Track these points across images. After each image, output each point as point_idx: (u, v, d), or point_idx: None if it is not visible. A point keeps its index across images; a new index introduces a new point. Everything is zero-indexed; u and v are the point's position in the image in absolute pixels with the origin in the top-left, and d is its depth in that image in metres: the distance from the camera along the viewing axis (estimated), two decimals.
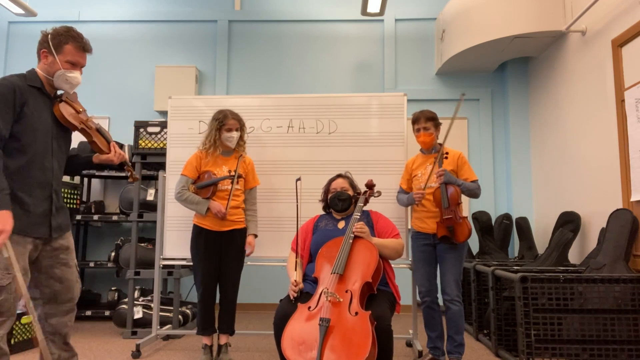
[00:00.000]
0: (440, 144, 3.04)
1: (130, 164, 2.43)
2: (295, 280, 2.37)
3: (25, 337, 3.43)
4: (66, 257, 2.14)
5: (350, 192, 2.70)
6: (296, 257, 2.54)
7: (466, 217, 2.84)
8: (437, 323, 2.97)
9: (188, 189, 3.01)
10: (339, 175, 2.80)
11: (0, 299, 1.89)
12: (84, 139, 2.27)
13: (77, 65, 2.08)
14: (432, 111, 3.01)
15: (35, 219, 2.00)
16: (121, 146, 4.53)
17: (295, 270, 2.47)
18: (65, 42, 2.05)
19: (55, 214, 2.09)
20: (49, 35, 2.04)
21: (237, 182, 3.02)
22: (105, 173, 4.68)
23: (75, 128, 2.14)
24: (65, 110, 2.09)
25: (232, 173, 3.00)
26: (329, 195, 2.72)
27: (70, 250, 2.17)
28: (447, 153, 2.88)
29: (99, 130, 2.23)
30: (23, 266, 1.95)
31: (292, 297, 2.32)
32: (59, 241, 2.13)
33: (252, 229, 3.11)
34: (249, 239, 3.09)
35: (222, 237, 2.99)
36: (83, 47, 2.09)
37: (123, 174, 4.69)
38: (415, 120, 3.03)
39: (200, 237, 2.98)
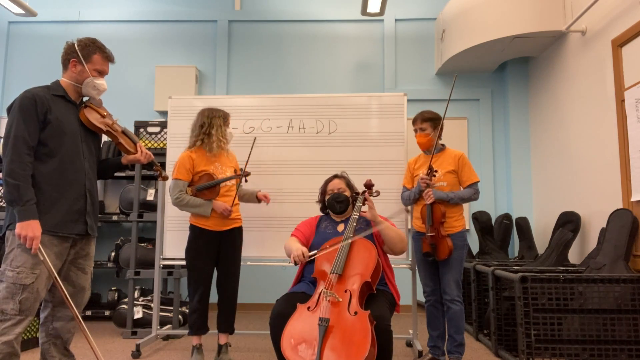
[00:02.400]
0: (443, 145, 3.04)
1: (158, 163, 2.52)
2: (303, 253, 2.34)
3: (26, 337, 3.43)
4: (84, 262, 2.24)
5: (348, 193, 2.67)
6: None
7: (448, 236, 2.83)
8: (440, 322, 2.98)
9: (185, 192, 2.92)
10: (335, 176, 2.76)
11: (22, 298, 1.97)
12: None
13: (102, 74, 2.26)
14: (431, 112, 3.01)
15: (70, 216, 2.12)
16: None
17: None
18: (94, 52, 2.22)
19: (90, 213, 2.20)
20: (77, 46, 2.19)
21: (246, 181, 3.02)
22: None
23: (101, 131, 2.28)
24: (90, 114, 2.24)
25: (239, 172, 3.02)
26: (326, 197, 2.69)
27: (89, 257, 2.26)
28: (436, 170, 2.90)
29: (124, 133, 2.36)
30: (52, 265, 2.04)
31: (296, 262, 2.33)
32: (85, 246, 2.23)
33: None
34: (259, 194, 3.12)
35: (221, 237, 2.98)
36: (108, 57, 2.28)
37: (123, 174, 4.68)
38: (413, 121, 3.04)
39: (201, 239, 2.95)
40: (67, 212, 2.11)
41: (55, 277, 1.99)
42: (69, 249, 2.15)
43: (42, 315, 2.21)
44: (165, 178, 2.53)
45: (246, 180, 3.01)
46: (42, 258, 1.98)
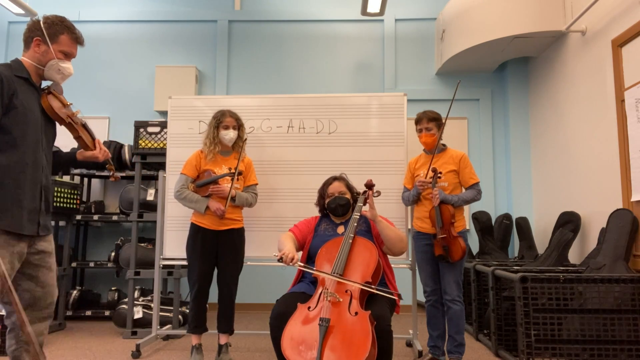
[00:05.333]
0: (444, 145, 3.04)
1: (112, 162, 2.32)
2: (293, 257, 2.27)
3: None
4: (49, 260, 2.07)
5: (348, 196, 2.65)
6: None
7: (461, 237, 2.82)
8: (440, 322, 2.98)
9: (187, 187, 3.01)
10: (335, 178, 2.72)
11: None
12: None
13: (69, 56, 2.03)
14: (435, 112, 3.01)
15: (27, 215, 1.92)
16: (121, 146, 4.53)
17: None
18: (61, 32, 1.98)
19: (43, 212, 2.01)
20: (43, 24, 1.96)
21: (238, 180, 3.01)
22: (105, 173, 4.68)
23: (63, 122, 2.06)
24: (53, 102, 2.02)
25: (232, 170, 3.00)
26: (327, 201, 2.66)
27: (52, 254, 2.09)
28: (440, 172, 2.89)
29: (84, 126, 2.15)
30: (7, 269, 1.83)
31: (281, 260, 2.26)
32: (44, 243, 2.05)
33: (239, 194, 3.01)
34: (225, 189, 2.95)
35: (219, 237, 2.99)
36: (77, 39, 2.04)
37: (123, 174, 4.68)
38: (417, 121, 3.03)
39: (198, 236, 2.98)
40: (25, 209, 1.91)
41: (7, 278, 1.71)
42: (26, 247, 1.94)
43: (8, 321, 1.99)
44: (117, 178, 2.32)
45: (238, 179, 3.00)
46: None
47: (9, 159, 1.86)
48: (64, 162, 2.18)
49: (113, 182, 5.11)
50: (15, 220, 1.87)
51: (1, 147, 1.85)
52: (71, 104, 2.12)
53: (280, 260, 2.28)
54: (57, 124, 2.12)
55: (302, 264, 2.30)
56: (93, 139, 2.15)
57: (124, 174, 4.68)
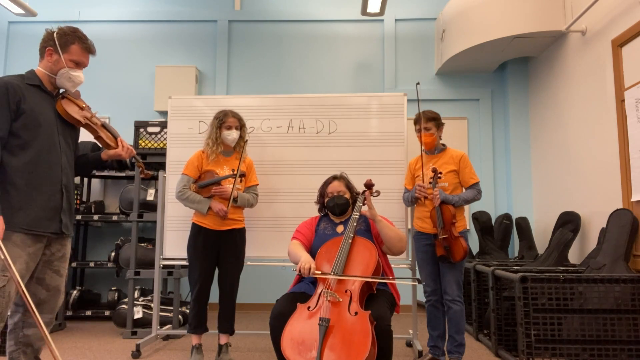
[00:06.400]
0: (444, 145, 3.04)
1: (140, 159, 2.36)
2: (311, 267, 2.27)
3: None
4: (59, 264, 2.10)
5: (347, 195, 2.65)
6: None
7: (462, 237, 2.81)
8: (440, 322, 2.98)
9: (189, 188, 3.00)
10: (335, 178, 2.72)
11: None
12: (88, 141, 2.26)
13: (80, 65, 2.13)
14: (434, 111, 3.01)
15: (45, 213, 1.99)
16: None
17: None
18: (72, 42, 2.08)
19: (65, 210, 2.09)
20: (56, 34, 2.06)
21: (241, 181, 3.01)
22: (105, 173, 4.68)
23: (80, 124, 2.16)
24: (67, 106, 2.12)
25: (235, 172, 3.00)
26: (326, 200, 2.67)
27: (65, 258, 2.13)
28: (440, 172, 2.88)
29: (104, 126, 2.23)
30: (19, 269, 1.88)
31: (304, 273, 2.26)
32: (59, 247, 2.10)
33: (241, 195, 3.00)
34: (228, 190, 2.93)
35: (221, 237, 2.99)
36: (88, 48, 2.14)
37: (123, 174, 4.68)
38: (416, 121, 3.02)
39: (199, 236, 2.98)
40: (41, 208, 1.97)
41: (19, 282, 1.76)
42: (43, 249, 2.01)
43: (10, 322, 2.03)
44: (148, 175, 2.41)
45: (241, 181, 3.01)
46: (1, 257, 1.76)
47: (20, 160, 1.95)
48: (91, 163, 2.29)
49: (113, 182, 5.11)
50: (30, 219, 1.94)
51: (12, 150, 1.95)
52: (89, 106, 2.22)
53: (300, 273, 2.27)
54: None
55: (319, 272, 2.28)
56: (115, 137, 2.24)
57: (124, 174, 4.68)
